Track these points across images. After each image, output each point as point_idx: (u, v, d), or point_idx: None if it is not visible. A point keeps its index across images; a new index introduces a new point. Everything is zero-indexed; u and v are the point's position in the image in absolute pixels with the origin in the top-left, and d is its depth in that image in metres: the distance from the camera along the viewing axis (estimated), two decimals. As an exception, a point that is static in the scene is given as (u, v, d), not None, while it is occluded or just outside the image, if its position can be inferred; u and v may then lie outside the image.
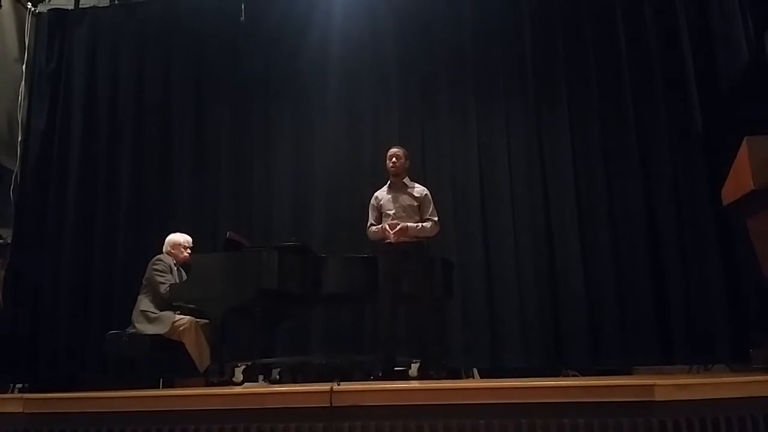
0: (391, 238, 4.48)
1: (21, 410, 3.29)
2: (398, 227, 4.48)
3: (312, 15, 6.56)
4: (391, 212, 4.63)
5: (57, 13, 6.97)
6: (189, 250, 5.14)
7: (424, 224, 4.59)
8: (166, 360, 5.06)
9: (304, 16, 6.58)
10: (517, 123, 6.09)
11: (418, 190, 4.72)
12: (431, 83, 6.32)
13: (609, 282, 5.60)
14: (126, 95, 6.69)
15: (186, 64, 6.71)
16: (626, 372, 5.33)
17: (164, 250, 5.10)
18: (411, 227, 4.52)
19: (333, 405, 2.94)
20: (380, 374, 4.43)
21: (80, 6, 7.01)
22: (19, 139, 6.69)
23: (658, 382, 2.82)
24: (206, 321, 4.73)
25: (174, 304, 4.80)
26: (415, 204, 4.65)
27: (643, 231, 5.64)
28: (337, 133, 6.33)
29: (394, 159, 4.70)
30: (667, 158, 5.73)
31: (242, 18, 6.35)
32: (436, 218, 4.66)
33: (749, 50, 5.76)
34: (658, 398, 2.75)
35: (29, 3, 6.89)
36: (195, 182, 6.43)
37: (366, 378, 4.59)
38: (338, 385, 3.04)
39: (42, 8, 6.98)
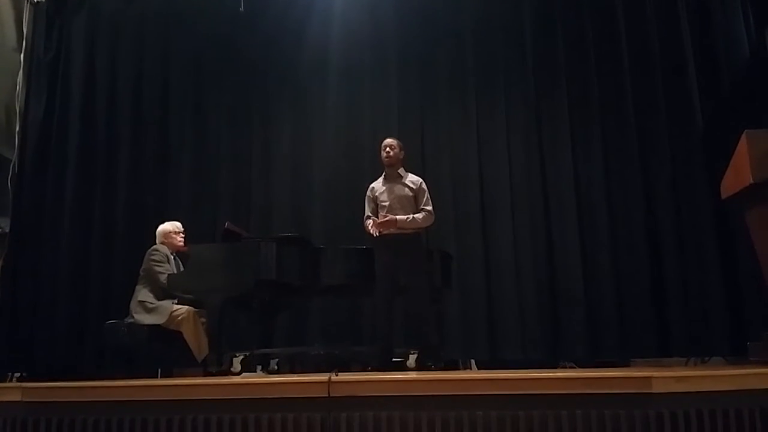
0: (374, 232, 4.49)
1: (19, 399, 3.30)
2: (385, 220, 4.48)
3: (312, 7, 6.54)
4: (386, 204, 4.62)
5: (55, 2, 6.91)
6: (182, 235, 5.14)
7: (416, 215, 4.56)
8: (164, 350, 5.05)
9: (304, 8, 6.55)
10: (517, 118, 6.09)
11: (413, 180, 4.71)
12: (431, 77, 6.31)
13: (607, 274, 5.60)
14: (124, 85, 6.67)
15: (185, 54, 6.69)
16: (624, 364, 5.35)
17: (158, 241, 5.10)
18: (400, 219, 4.50)
19: (331, 395, 2.95)
20: (378, 365, 4.44)
21: (79, -5, 6.98)
22: (17, 128, 6.66)
23: (655, 374, 2.83)
24: (204, 311, 4.73)
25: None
26: (411, 194, 4.63)
27: (642, 224, 5.64)
28: (337, 125, 6.32)
29: (388, 149, 4.69)
30: (667, 152, 5.73)
31: (241, 8, 6.32)
32: (429, 208, 4.62)
33: (750, 45, 5.76)
34: (655, 390, 2.77)
35: (27, -8, 6.86)
36: (194, 172, 6.43)
37: (364, 369, 4.60)
38: (336, 375, 3.05)
39: (40, -3, 6.95)
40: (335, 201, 6.09)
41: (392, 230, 4.52)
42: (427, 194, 4.67)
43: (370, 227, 4.55)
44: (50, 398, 3.31)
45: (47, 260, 6.29)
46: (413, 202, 4.63)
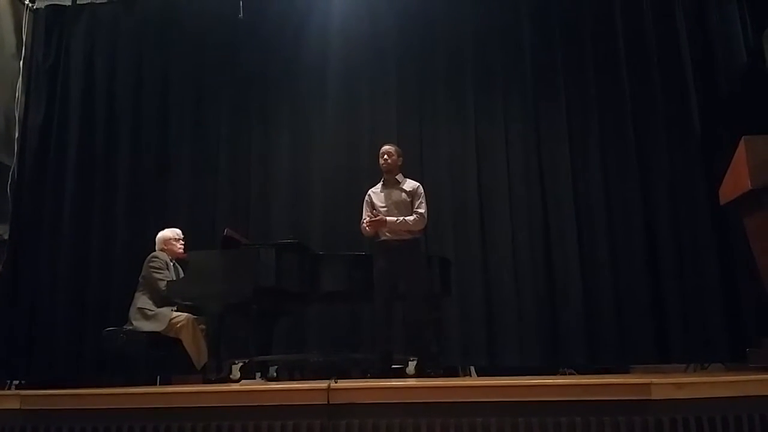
0: (365, 231, 4.52)
1: (18, 407, 3.28)
2: (375, 219, 4.49)
3: (311, 13, 6.56)
4: (384, 209, 4.62)
5: (54, 9, 6.96)
6: (182, 242, 5.14)
7: (407, 218, 4.55)
8: (163, 357, 5.05)
9: (303, 14, 6.57)
10: (516, 122, 6.10)
11: (410, 184, 4.71)
12: (430, 82, 6.32)
13: (606, 280, 5.60)
14: (124, 92, 6.68)
15: (184, 61, 6.69)
16: (623, 371, 5.34)
17: (157, 248, 5.10)
18: (390, 221, 4.51)
19: (330, 402, 2.94)
20: (377, 372, 4.43)
21: (78, 2, 6.98)
22: (17, 135, 6.68)
23: (654, 380, 2.83)
24: (204, 318, 4.73)
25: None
26: (408, 200, 4.64)
27: (641, 229, 5.65)
28: (336, 131, 6.32)
29: (385, 156, 4.70)
30: (666, 158, 5.74)
31: (240, 15, 6.34)
32: (422, 211, 4.61)
33: (747, 50, 5.78)
34: (655, 397, 2.76)
35: (27, -1, 6.89)
36: (193, 179, 6.42)
37: (363, 375, 4.59)
38: (335, 382, 3.04)
39: (39, 4, 6.97)
40: (334, 207, 6.09)
41: (389, 235, 4.54)
42: (421, 198, 4.66)
43: (363, 223, 4.58)
44: (49, 406, 3.30)
45: (46, 267, 6.29)
46: (410, 208, 4.63)
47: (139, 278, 4.93)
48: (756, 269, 3.84)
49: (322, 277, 4.74)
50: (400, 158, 4.76)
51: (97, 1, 6.99)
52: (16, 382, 6.01)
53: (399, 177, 4.74)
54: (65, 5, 6.97)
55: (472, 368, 5.68)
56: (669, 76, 5.88)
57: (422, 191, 4.69)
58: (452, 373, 5.42)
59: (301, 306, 5.51)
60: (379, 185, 4.78)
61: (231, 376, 4.48)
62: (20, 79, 6.77)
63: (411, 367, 4.53)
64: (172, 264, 5.04)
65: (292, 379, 5.04)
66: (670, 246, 5.58)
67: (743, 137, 3.62)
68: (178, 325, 4.69)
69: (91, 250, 6.31)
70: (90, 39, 6.84)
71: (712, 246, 5.47)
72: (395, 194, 4.66)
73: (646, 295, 5.51)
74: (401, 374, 4.50)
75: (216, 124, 6.54)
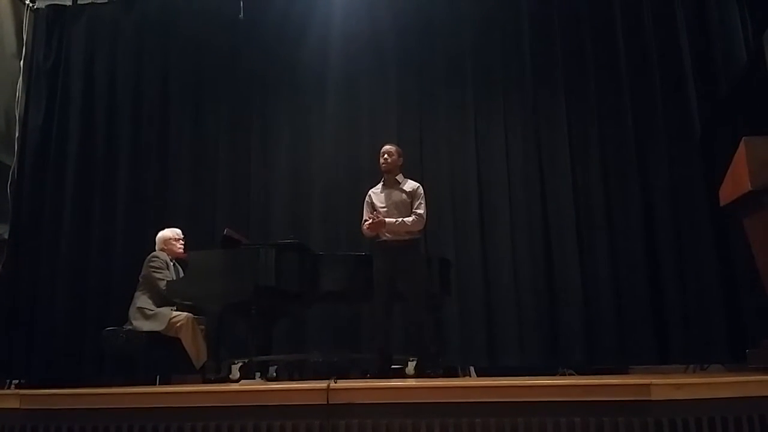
0: (365, 233, 4.52)
1: (18, 406, 3.28)
2: (375, 221, 4.48)
3: (311, 14, 6.56)
4: (384, 209, 4.62)
5: (55, 9, 6.97)
6: (181, 242, 5.14)
7: (405, 219, 4.54)
8: (162, 357, 5.05)
9: (303, 15, 6.57)
10: (516, 123, 6.10)
11: (410, 185, 4.71)
12: (430, 83, 6.32)
13: (606, 281, 5.60)
14: (124, 92, 6.68)
15: (184, 62, 6.70)
16: (622, 371, 5.34)
17: (157, 248, 5.10)
18: (389, 222, 4.51)
19: (330, 402, 2.94)
20: (377, 372, 4.43)
21: (78, 2, 7.00)
22: (17, 135, 6.69)
23: (654, 381, 2.82)
24: (203, 317, 4.73)
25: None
26: (407, 200, 4.63)
27: (641, 230, 5.65)
28: (336, 131, 6.33)
29: (386, 156, 4.70)
30: (665, 159, 5.73)
31: (241, 16, 6.34)
32: (420, 212, 4.59)
33: (747, 50, 5.77)
34: (654, 398, 2.76)
35: (27, -1, 6.90)
36: (193, 179, 6.43)
37: (363, 376, 4.59)
38: (335, 382, 3.04)
39: (40, 4, 6.98)
40: (334, 207, 6.10)
41: (389, 236, 4.53)
42: (421, 198, 4.65)
43: (364, 225, 4.59)
44: (49, 405, 3.30)
45: (46, 266, 6.29)
46: (410, 208, 4.62)
47: (139, 278, 4.93)
48: (756, 270, 3.84)
49: (322, 277, 4.75)
50: (401, 158, 4.75)
51: (98, 1, 7.01)
52: (15, 381, 6.01)
53: (399, 177, 4.73)
54: (66, 5, 6.99)
55: (472, 368, 5.68)
56: (669, 76, 5.88)
57: (422, 192, 4.69)
58: (452, 374, 5.41)
59: (301, 306, 5.51)
60: (380, 185, 4.78)
61: (230, 376, 4.48)
62: (21, 78, 6.78)
63: (410, 367, 4.53)
64: (172, 264, 5.04)
65: (291, 379, 5.04)
66: (670, 247, 5.58)
67: (743, 138, 3.62)
68: (178, 325, 4.69)
69: (91, 250, 6.32)
70: (90, 39, 6.85)
71: (712, 247, 5.46)
72: (395, 194, 4.66)
73: (645, 295, 5.50)
74: (401, 374, 4.50)
75: (216, 124, 6.55)
